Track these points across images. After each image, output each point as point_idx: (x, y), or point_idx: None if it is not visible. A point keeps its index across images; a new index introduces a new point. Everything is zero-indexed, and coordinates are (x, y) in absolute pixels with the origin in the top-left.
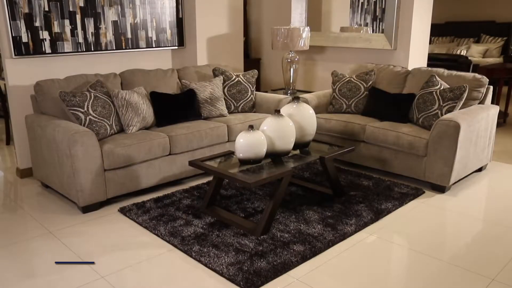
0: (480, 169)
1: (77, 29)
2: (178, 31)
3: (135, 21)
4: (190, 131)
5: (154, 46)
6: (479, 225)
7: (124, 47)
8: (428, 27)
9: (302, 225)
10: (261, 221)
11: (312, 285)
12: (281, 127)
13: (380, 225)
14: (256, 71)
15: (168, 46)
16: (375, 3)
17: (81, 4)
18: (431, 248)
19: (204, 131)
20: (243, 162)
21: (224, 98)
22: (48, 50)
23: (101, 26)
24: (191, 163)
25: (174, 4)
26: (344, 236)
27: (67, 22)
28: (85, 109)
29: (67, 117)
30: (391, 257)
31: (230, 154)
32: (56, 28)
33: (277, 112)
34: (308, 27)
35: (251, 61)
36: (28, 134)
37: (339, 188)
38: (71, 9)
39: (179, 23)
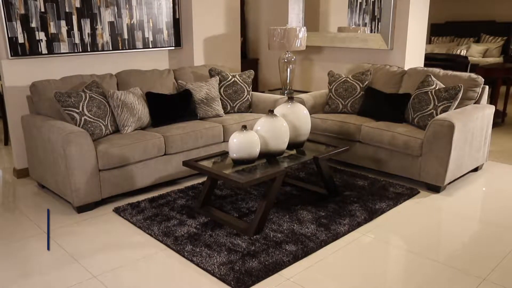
0: (476, 169)
1: (73, 30)
2: (175, 32)
3: (132, 22)
4: (185, 132)
5: (150, 46)
6: (473, 225)
7: (120, 48)
8: (425, 27)
9: (295, 225)
10: (254, 221)
11: (303, 285)
12: (275, 127)
13: (373, 225)
14: (252, 71)
15: (165, 47)
16: (373, 3)
17: (77, 5)
18: (424, 248)
19: (200, 131)
20: (236, 162)
21: (220, 99)
22: (44, 50)
23: (97, 27)
24: (185, 163)
25: (171, 5)
26: (337, 236)
27: (63, 23)
28: (80, 109)
29: (63, 118)
30: (384, 257)
31: (225, 154)
32: (52, 29)
33: (270, 112)
34: (305, 27)
35: (249, 61)
36: (24, 134)
37: (333, 188)
38: (67, 10)
39: (176, 23)
